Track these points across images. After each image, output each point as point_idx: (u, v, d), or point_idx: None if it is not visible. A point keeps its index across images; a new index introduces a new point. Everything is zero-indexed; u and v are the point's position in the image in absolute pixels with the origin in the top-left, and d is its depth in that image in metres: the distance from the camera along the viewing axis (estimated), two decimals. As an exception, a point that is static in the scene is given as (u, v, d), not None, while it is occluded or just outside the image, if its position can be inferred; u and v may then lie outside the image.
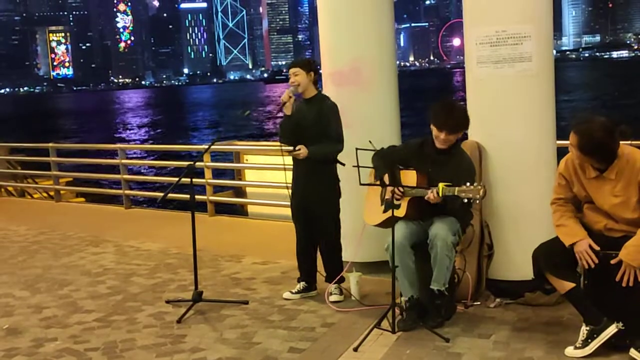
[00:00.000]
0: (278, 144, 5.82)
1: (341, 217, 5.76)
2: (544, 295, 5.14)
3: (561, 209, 4.39)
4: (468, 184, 4.66)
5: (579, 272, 4.35)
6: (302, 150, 5.47)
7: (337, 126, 5.56)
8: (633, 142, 4.74)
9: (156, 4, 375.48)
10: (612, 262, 4.14)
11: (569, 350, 4.28)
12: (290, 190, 5.77)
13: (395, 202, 4.97)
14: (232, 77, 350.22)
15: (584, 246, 4.21)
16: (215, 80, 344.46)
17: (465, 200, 4.67)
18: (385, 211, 5.14)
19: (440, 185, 4.71)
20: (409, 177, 4.99)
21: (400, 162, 5.08)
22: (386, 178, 5.00)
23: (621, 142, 4.15)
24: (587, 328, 4.24)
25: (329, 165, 5.62)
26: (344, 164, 5.64)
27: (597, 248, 4.19)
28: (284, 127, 5.62)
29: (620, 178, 4.14)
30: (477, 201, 4.74)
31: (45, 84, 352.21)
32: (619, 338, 4.19)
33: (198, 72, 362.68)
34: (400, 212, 5.00)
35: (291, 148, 5.55)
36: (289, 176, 5.82)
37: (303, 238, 5.78)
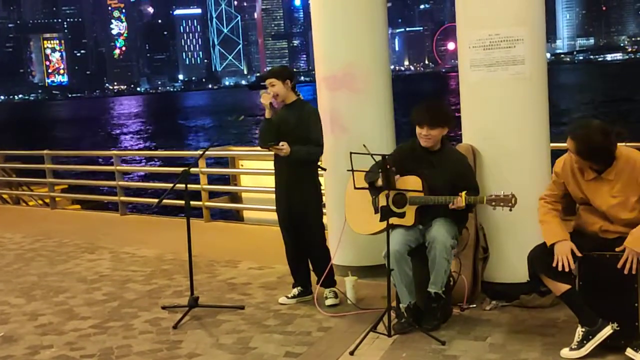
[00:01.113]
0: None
1: (333, 222, 5.76)
2: (540, 297, 5.15)
3: (548, 205, 4.41)
4: (496, 192, 4.72)
5: (574, 273, 4.36)
6: (285, 147, 5.47)
7: (317, 131, 5.59)
8: (628, 144, 4.74)
9: (150, 10, 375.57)
10: (617, 249, 4.12)
11: (565, 352, 4.29)
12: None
13: (398, 210, 4.96)
14: (227, 83, 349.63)
15: (566, 249, 4.21)
16: (210, 86, 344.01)
17: (494, 209, 4.75)
18: (383, 219, 5.11)
19: (462, 194, 4.72)
20: (412, 182, 4.97)
21: (393, 167, 5.06)
22: (379, 182, 5.00)
23: (618, 144, 4.17)
24: (583, 329, 4.25)
25: (311, 170, 5.64)
26: (325, 169, 5.66)
27: (579, 254, 4.19)
28: (264, 130, 5.65)
29: (619, 178, 4.16)
30: (510, 210, 4.74)
31: (40, 91, 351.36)
32: (614, 339, 4.20)
33: (193, 78, 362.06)
34: (408, 221, 4.98)
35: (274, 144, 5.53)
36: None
37: (292, 244, 5.79)
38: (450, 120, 5.04)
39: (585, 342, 4.22)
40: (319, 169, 5.76)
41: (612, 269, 4.13)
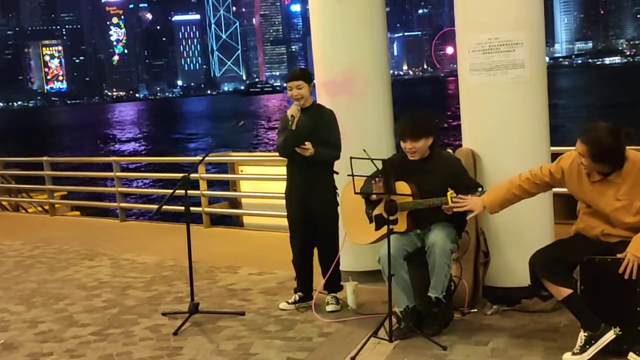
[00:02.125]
0: (273, 154, 5.82)
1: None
2: (541, 301, 5.14)
3: (525, 183, 4.52)
4: (480, 189, 4.75)
5: (576, 277, 4.35)
6: (310, 148, 5.43)
7: (337, 134, 5.60)
8: (632, 147, 4.75)
9: (149, 16, 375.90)
10: (619, 255, 4.11)
11: (567, 356, 4.27)
12: (285, 201, 5.77)
13: (391, 218, 4.95)
14: (226, 89, 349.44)
15: (476, 204, 4.62)
16: (209, 91, 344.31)
17: None
18: (378, 228, 5.12)
19: (448, 194, 4.73)
20: (401, 189, 4.98)
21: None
22: (378, 188, 4.99)
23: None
24: (585, 334, 4.23)
25: (328, 173, 5.62)
26: (337, 173, 5.65)
27: (469, 217, 4.71)
28: (290, 142, 5.52)
29: (625, 181, 4.14)
30: None
31: (39, 98, 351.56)
32: (616, 343, 4.18)
33: (192, 84, 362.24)
34: (401, 227, 4.99)
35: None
36: (283, 186, 5.81)
37: (303, 248, 5.76)
38: (433, 128, 5.05)
39: (587, 346, 4.20)
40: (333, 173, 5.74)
41: (614, 273, 4.11)
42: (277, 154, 5.80)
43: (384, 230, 5.01)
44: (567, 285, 4.26)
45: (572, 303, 4.29)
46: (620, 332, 4.17)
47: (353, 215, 5.32)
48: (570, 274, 4.32)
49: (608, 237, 4.24)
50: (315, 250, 5.80)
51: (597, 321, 4.20)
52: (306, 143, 5.43)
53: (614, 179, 4.17)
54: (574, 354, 4.24)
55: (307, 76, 5.61)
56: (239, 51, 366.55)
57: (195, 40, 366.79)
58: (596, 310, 4.24)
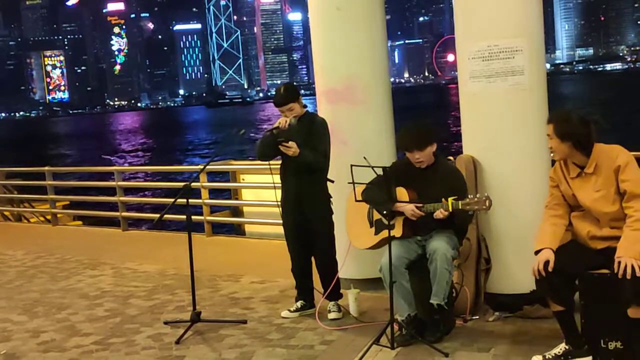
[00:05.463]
0: (274, 162, 5.83)
1: (337, 235, 5.75)
2: (543, 307, 5.13)
3: (549, 212, 4.43)
4: (471, 195, 4.72)
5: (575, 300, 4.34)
6: (294, 146, 5.42)
7: (326, 143, 5.61)
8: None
9: (150, 26, 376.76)
10: (616, 266, 4.05)
11: (537, 358, 4.30)
12: (280, 209, 5.79)
13: (389, 223, 4.97)
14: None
15: (544, 256, 4.20)
16: (211, 100, 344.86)
17: (471, 213, 4.74)
18: (377, 232, 5.15)
19: (450, 200, 4.73)
20: (400, 194, 4.99)
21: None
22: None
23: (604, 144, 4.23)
24: (567, 347, 4.25)
25: (321, 181, 5.63)
26: (333, 181, 5.66)
27: (551, 268, 4.14)
28: (266, 142, 5.57)
29: (600, 172, 4.19)
30: (485, 212, 4.80)
31: (41, 108, 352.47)
32: (617, 358, 4.16)
33: (194, 93, 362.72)
34: (397, 233, 5.00)
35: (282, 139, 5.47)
36: (279, 194, 5.83)
37: (300, 256, 5.77)
38: (435, 135, 5.09)
39: (563, 359, 4.21)
40: (328, 181, 5.75)
41: (613, 287, 4.05)
42: (278, 162, 5.81)
43: (382, 234, 5.02)
44: (561, 303, 4.25)
45: (563, 319, 4.28)
46: (622, 347, 4.16)
47: (355, 219, 5.34)
48: (569, 289, 4.29)
49: (594, 241, 4.22)
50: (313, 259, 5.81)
51: (583, 342, 4.22)
52: (290, 142, 5.43)
53: (588, 171, 4.22)
54: (545, 358, 4.25)
55: (293, 96, 5.59)
56: (241, 60, 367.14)
57: (196, 49, 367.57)
58: (597, 324, 4.22)
